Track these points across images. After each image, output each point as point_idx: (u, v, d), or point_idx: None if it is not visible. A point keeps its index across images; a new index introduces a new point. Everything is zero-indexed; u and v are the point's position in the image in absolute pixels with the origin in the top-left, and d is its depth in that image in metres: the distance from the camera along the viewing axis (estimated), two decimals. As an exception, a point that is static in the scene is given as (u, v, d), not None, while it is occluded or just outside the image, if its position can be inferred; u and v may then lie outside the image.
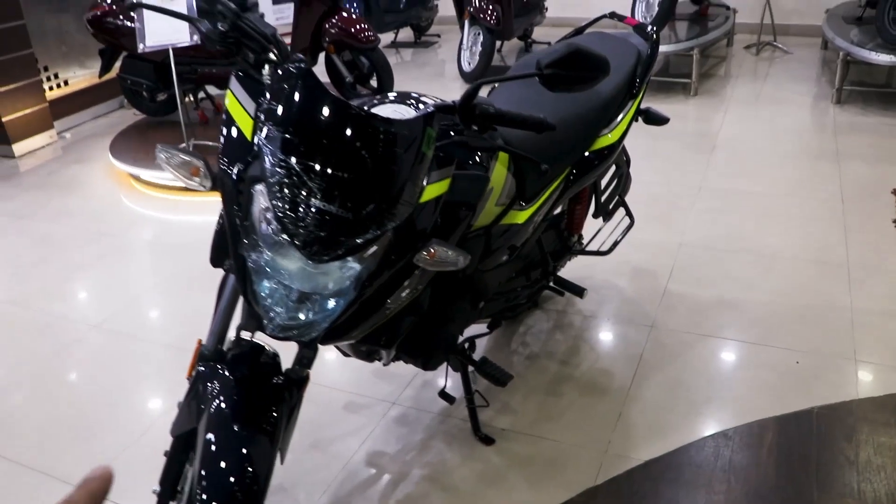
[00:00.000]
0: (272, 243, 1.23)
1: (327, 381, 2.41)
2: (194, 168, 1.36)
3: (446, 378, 2.12)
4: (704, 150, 4.11)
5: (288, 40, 4.74)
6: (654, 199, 3.54)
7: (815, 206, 3.39)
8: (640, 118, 2.40)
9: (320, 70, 4.84)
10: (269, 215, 1.22)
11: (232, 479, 1.31)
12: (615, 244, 2.48)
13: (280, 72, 1.25)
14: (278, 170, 1.17)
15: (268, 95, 1.24)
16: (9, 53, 4.47)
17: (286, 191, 1.17)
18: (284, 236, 1.20)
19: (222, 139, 1.31)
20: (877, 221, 3.21)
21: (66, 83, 5.08)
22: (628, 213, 2.55)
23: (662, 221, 3.32)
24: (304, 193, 1.17)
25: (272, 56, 1.32)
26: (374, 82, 4.75)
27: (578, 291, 2.38)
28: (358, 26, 4.52)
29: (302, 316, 1.28)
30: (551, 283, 2.44)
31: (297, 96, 1.21)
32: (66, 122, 5.10)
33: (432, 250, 1.36)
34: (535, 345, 2.56)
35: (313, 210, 1.17)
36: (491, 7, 5.44)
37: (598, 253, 2.47)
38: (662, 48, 5.04)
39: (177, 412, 1.46)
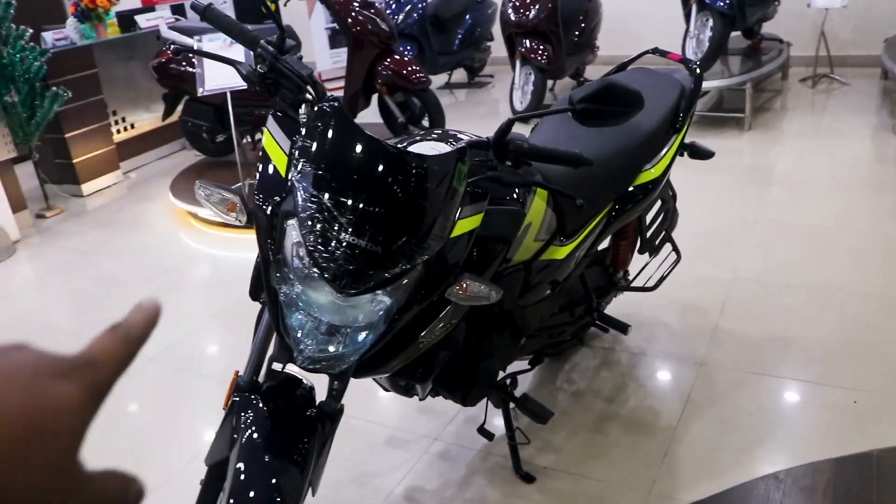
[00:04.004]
0: (303, 276, 1.27)
1: (370, 416, 2.42)
2: (231, 204, 1.41)
3: (486, 414, 2.11)
4: (759, 183, 4.03)
5: (342, 83, 4.88)
6: (705, 234, 3.47)
7: (875, 239, 3.27)
8: (684, 153, 2.38)
9: (373, 111, 4.96)
10: (300, 249, 1.25)
11: None
12: (661, 280, 2.45)
13: (315, 110, 1.30)
14: (310, 205, 1.21)
15: (302, 133, 1.29)
16: (82, 99, 4.72)
17: (317, 225, 1.20)
18: (315, 270, 1.23)
19: (258, 175, 1.36)
20: (942, 256, 3.08)
21: (132, 126, 5.33)
22: (675, 249, 2.51)
23: (714, 256, 3.26)
24: (335, 228, 1.20)
25: (308, 96, 1.37)
26: (426, 122, 4.83)
27: (623, 328, 2.35)
28: (409, 68, 4.62)
29: (332, 348, 1.30)
30: (595, 321, 2.41)
31: (329, 133, 1.25)
32: (132, 162, 5.34)
33: (465, 284, 1.37)
34: (581, 382, 2.52)
35: (343, 244, 1.20)
36: (542, 47, 5.49)
37: (643, 289, 2.43)
38: (715, 83, 5.00)
39: (212, 441, 1.49)
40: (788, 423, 2.21)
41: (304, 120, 1.31)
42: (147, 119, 5.44)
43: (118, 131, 5.20)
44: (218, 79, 3.99)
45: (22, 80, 4.21)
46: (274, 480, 1.37)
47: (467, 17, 6.86)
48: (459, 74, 7.49)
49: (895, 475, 1.98)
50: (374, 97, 4.85)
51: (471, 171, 1.50)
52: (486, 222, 1.50)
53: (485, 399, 2.07)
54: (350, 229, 1.20)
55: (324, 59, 7.18)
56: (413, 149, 1.55)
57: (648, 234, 2.46)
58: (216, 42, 4.06)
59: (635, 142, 2.10)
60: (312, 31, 7.07)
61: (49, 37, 4.67)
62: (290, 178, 1.29)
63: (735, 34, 5.78)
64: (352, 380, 1.50)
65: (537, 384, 2.53)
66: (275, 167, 1.35)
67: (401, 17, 6.42)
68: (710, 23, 4.96)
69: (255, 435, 1.41)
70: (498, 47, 6.86)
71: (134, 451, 2.40)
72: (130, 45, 5.25)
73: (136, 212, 4.61)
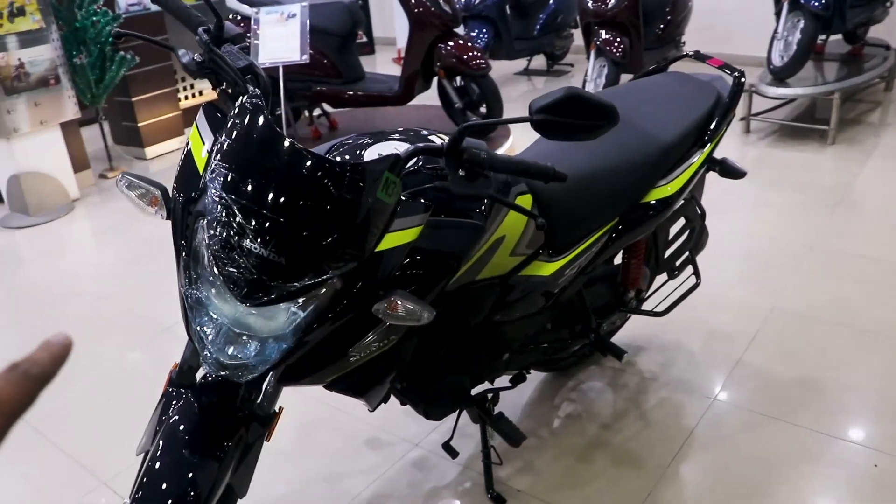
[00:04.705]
0: (209, 281, 1.20)
1: (357, 414, 2.36)
2: (154, 198, 1.36)
3: (454, 430, 2.01)
4: (827, 205, 3.70)
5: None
6: (752, 255, 3.22)
7: (946, 280, 2.94)
8: (716, 169, 2.18)
9: (432, 94, 4.87)
10: (207, 252, 1.19)
11: (170, 502, 1.29)
12: (673, 306, 2.25)
13: (238, 107, 1.22)
14: (218, 207, 1.14)
15: (224, 129, 1.21)
16: (151, 64, 4.85)
17: (223, 229, 1.13)
18: (218, 275, 1.16)
19: (178, 170, 1.30)
20: None
21: (200, 93, 5.44)
22: (696, 272, 2.31)
23: (756, 281, 3.01)
24: (240, 234, 1.13)
25: (240, 90, 1.30)
26: (483, 109, 4.70)
27: (619, 354, 2.18)
28: (470, 53, 4.50)
29: (239, 356, 1.24)
30: (594, 341, 2.25)
31: (245, 132, 1.18)
32: (198, 129, 5.46)
33: (393, 302, 1.27)
34: (581, 402, 2.38)
35: (246, 252, 1.12)
36: (619, 40, 5.23)
37: (651, 313, 2.25)
38: (798, 90, 4.63)
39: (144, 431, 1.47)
40: (792, 479, 2.00)
41: (231, 115, 1.24)
42: (216, 87, 5.54)
43: (185, 98, 5.32)
44: (273, 52, 3.99)
45: (93, 43, 4.35)
46: (190, 475, 1.32)
47: (550, 2, 6.63)
48: (539, 61, 7.28)
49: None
50: (435, 81, 4.75)
51: (421, 179, 1.39)
52: (435, 236, 1.39)
53: (455, 415, 1.97)
54: (254, 236, 1.12)
55: (404, 36, 7.11)
56: (375, 149, 1.46)
57: (667, 254, 2.28)
58: (273, 15, 4.06)
59: (647, 155, 1.92)
60: (395, 7, 7.00)
61: (123, 1, 4.80)
62: (205, 175, 1.22)
63: (836, 38, 5.35)
64: None
65: (535, 399, 2.40)
66: (194, 163, 1.29)
67: (479, -2, 6.26)
68: (802, 24, 4.58)
69: (180, 427, 1.37)
70: (581, 35, 6.62)
71: (133, 418, 2.43)
72: (202, 13, 5.32)
73: (192, 178, 4.70)
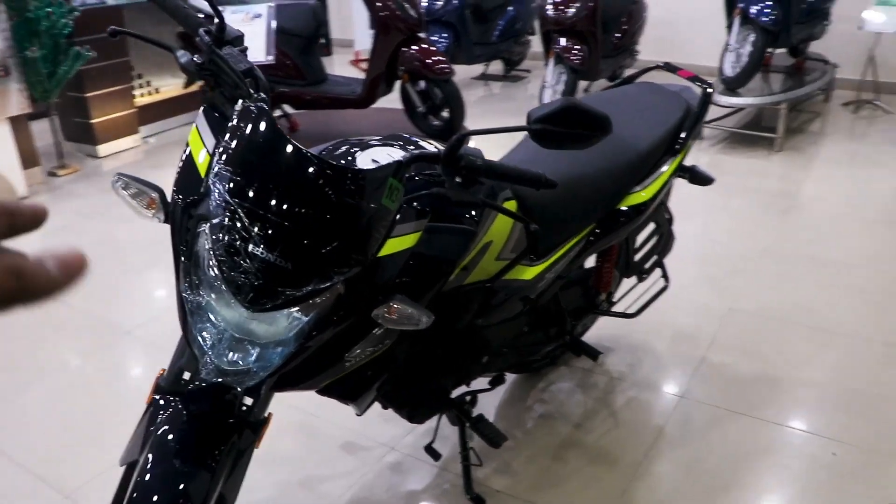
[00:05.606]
0: (212, 285, 1.20)
1: (332, 417, 2.36)
2: (150, 199, 1.35)
3: (436, 432, 2.03)
4: (779, 210, 3.85)
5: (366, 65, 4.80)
6: (710, 258, 3.33)
7: (891, 282, 3.10)
8: (686, 177, 2.26)
9: (395, 97, 4.88)
10: (211, 257, 1.18)
11: None
12: (644, 307, 2.33)
13: (241, 110, 1.22)
14: (222, 211, 1.14)
15: (227, 132, 1.21)
16: (107, 60, 4.73)
17: (227, 234, 1.13)
18: (222, 281, 1.16)
19: (178, 172, 1.29)
20: (959, 308, 2.90)
21: (157, 91, 5.33)
22: (664, 275, 2.39)
23: (715, 283, 3.12)
24: (245, 238, 1.12)
25: (241, 93, 1.30)
26: (445, 114, 4.74)
27: (593, 355, 2.24)
28: (434, 58, 4.53)
29: (240, 362, 1.23)
30: (569, 343, 2.31)
31: (250, 136, 1.17)
32: (153, 127, 5.34)
33: (393, 306, 1.29)
34: (553, 403, 2.43)
35: (252, 257, 1.12)
36: (577, 47, 5.34)
37: (624, 315, 2.32)
38: (749, 101, 4.81)
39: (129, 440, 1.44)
40: (760, 471, 2.09)
41: (232, 118, 1.24)
42: (172, 84, 5.43)
43: (142, 94, 5.21)
44: (236, 52, 3.94)
45: (47, 35, 4.21)
46: (182, 486, 1.31)
47: (509, 8, 6.71)
48: (497, 66, 7.35)
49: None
50: (397, 84, 4.77)
51: (419, 185, 1.42)
52: (430, 241, 1.41)
53: (436, 417, 1.99)
54: (260, 242, 1.12)
55: (362, 38, 7.10)
56: (367, 154, 1.47)
57: (637, 257, 2.35)
58: (239, 14, 4.02)
59: (624, 162, 1.99)
60: (354, 9, 6.99)
61: (78, -6, 4.68)
62: (207, 179, 1.22)
63: (780, 52, 5.56)
64: None
65: (507, 400, 2.44)
66: (195, 165, 1.28)
67: (439, 3, 6.30)
68: (752, 38, 4.76)
69: (170, 437, 1.35)
70: (539, 42, 6.72)
71: (94, 427, 2.37)
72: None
73: (149, 178, 4.57)
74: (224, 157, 1.16)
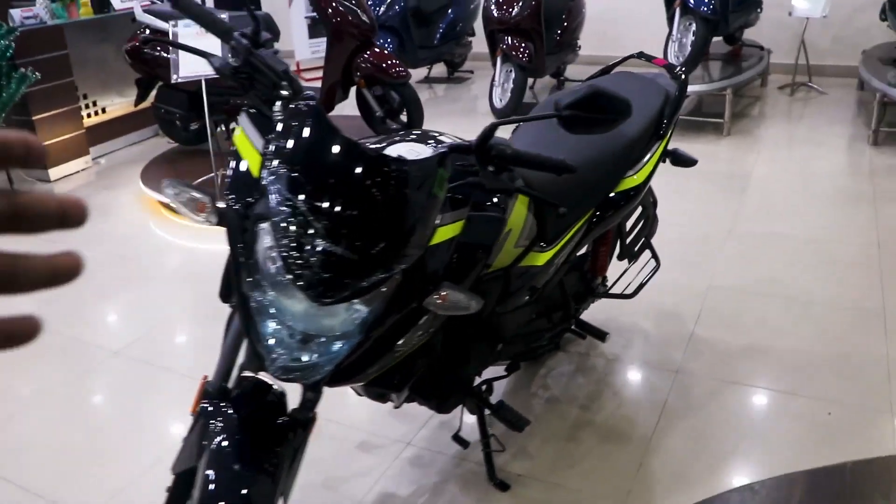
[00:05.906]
0: (276, 283, 1.21)
1: (342, 419, 2.36)
2: (201, 204, 1.35)
3: (461, 421, 2.07)
4: (736, 191, 4.03)
5: (321, 74, 4.79)
6: (682, 241, 3.46)
7: (850, 251, 3.29)
8: (667, 160, 2.36)
9: (351, 104, 4.88)
10: (273, 254, 1.19)
11: None
12: (640, 287, 2.42)
13: (290, 108, 1.24)
14: (284, 208, 1.15)
15: (276, 132, 1.23)
16: (51, 81, 4.58)
17: (291, 230, 1.14)
18: (288, 276, 1.17)
19: (229, 175, 1.30)
20: (915, 269, 3.11)
21: (103, 111, 5.19)
22: (654, 256, 2.49)
23: (691, 264, 3.25)
24: (309, 233, 1.14)
25: (283, 93, 1.31)
26: (404, 117, 4.77)
27: (601, 335, 2.32)
28: (389, 62, 4.55)
29: (305, 358, 1.25)
30: (573, 326, 2.38)
31: (305, 134, 1.19)
32: (102, 148, 5.20)
33: (444, 294, 1.32)
34: (556, 388, 2.49)
35: (318, 251, 1.14)
36: (523, 45, 5.45)
37: (622, 296, 2.41)
38: (695, 88, 5.00)
39: (180, 448, 1.44)
40: (763, 434, 2.20)
41: (279, 118, 1.25)
42: (119, 104, 5.30)
43: (89, 115, 5.06)
44: (193, 66, 3.88)
45: (-13, 59, 4.07)
46: (244, 490, 1.31)
47: (449, 11, 6.79)
48: (439, 69, 7.42)
49: (868, 488, 1.98)
50: (353, 90, 4.77)
51: (452, 175, 1.45)
52: (467, 229, 1.45)
53: (459, 405, 2.02)
54: (326, 235, 1.14)
55: (303, 48, 7.06)
56: (391, 150, 1.50)
57: (628, 240, 2.44)
58: (192, 28, 3.96)
59: (618, 148, 2.07)
60: (292, 20, 6.95)
61: (17, 14, 4.52)
62: (262, 178, 1.23)
63: (716, 40, 5.80)
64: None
65: (512, 389, 2.49)
66: (247, 166, 1.29)
67: (382, 8, 6.34)
68: (693, 27, 4.96)
69: (225, 443, 1.35)
70: (479, 43, 6.81)
71: (95, 450, 2.32)
72: (104, 27, 5.11)
73: (104, 199, 4.48)
74: (280, 155, 1.18)
